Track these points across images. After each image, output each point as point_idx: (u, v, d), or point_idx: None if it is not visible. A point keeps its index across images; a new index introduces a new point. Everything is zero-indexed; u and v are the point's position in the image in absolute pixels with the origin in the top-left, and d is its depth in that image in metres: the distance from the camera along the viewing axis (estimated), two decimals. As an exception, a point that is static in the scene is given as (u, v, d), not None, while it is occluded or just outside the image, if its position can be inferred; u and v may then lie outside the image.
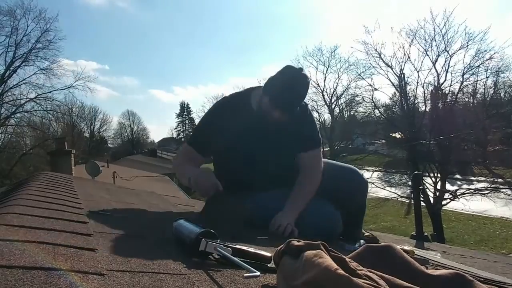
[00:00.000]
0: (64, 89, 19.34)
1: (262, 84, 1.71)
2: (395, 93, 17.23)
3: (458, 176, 17.11)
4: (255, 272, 0.73)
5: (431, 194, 13.76)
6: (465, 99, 17.12)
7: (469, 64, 14.41)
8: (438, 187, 14.14)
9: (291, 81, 1.59)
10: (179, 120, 57.36)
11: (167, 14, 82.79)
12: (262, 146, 1.68)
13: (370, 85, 17.18)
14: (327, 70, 19.71)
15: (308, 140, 1.76)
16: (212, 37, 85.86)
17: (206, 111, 1.97)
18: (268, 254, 0.89)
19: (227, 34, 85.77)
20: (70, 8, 59.66)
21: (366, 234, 1.92)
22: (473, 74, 14.72)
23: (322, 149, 1.79)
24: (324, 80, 19.78)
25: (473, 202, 13.34)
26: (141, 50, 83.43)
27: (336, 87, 20.02)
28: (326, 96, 19.99)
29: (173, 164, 1.89)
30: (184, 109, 57.41)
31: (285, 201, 1.64)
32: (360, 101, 19.03)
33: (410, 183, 12.44)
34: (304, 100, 1.77)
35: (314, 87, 19.87)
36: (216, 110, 1.82)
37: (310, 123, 1.80)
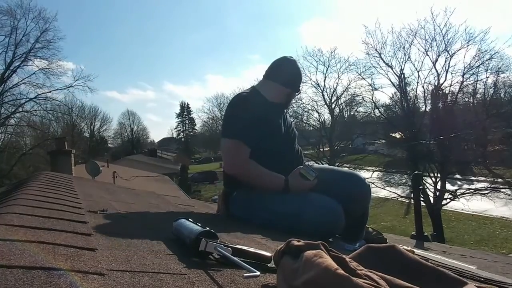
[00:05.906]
0: (64, 88, 19.37)
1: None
2: (395, 93, 17.23)
3: (458, 176, 17.12)
4: (255, 272, 0.73)
5: (431, 194, 13.78)
6: (465, 99, 17.19)
7: (469, 64, 14.43)
8: (438, 187, 14.14)
9: (295, 66, 1.95)
10: (179, 120, 57.40)
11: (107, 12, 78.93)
12: (286, 134, 1.85)
13: (370, 85, 17.19)
14: (327, 70, 19.60)
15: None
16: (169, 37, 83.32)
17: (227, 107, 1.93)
18: (268, 254, 0.89)
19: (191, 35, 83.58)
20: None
21: (372, 230, 1.93)
22: (473, 74, 14.75)
23: None
24: (324, 80, 19.64)
25: (473, 202, 13.35)
26: (83, 50, 78.66)
27: (336, 87, 19.90)
28: (326, 96, 19.86)
29: (248, 172, 1.72)
30: (184, 109, 57.46)
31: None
32: (360, 101, 19.01)
33: (410, 183, 12.45)
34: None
35: (314, 87, 19.78)
36: (245, 101, 1.82)
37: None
